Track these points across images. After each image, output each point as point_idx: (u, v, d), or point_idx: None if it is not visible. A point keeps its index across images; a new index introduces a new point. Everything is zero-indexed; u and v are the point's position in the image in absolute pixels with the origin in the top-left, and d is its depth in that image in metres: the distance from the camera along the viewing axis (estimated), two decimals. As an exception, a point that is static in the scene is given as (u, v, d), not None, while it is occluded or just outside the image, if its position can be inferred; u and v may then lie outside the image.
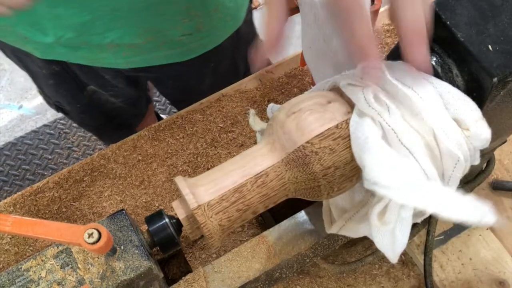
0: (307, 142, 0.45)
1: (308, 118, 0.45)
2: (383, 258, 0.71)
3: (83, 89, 0.96)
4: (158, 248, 0.52)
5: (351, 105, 0.46)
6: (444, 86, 0.45)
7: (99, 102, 1.01)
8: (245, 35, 0.91)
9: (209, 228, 0.46)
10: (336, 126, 0.45)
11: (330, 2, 0.42)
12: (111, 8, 0.69)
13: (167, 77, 0.94)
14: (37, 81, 0.98)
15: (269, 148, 0.47)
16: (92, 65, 0.84)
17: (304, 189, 0.47)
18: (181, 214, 0.47)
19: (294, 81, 0.83)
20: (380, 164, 0.41)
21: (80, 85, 0.94)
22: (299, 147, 0.45)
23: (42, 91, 1.02)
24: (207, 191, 0.46)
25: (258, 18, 2.04)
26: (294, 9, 0.71)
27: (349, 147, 0.46)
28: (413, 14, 0.41)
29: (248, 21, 0.91)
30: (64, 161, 1.85)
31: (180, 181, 0.46)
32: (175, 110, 1.84)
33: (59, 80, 0.91)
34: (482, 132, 0.44)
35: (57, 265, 0.49)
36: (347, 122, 0.45)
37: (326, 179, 0.46)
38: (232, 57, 0.93)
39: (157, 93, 1.86)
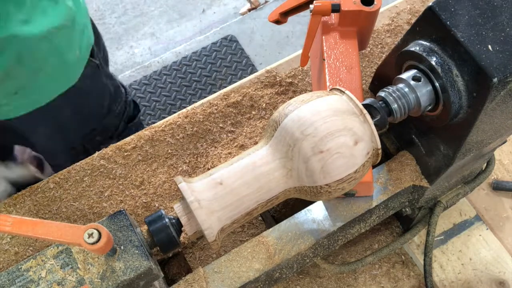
0: (326, 184, 0.47)
1: (334, 162, 0.47)
2: (383, 258, 0.71)
3: None
4: (158, 248, 0.52)
5: (372, 141, 0.48)
6: None
7: None
8: (87, 88, 0.91)
9: (217, 242, 0.49)
10: (355, 171, 0.47)
11: None
12: None
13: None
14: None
15: (285, 173, 0.48)
16: None
17: (304, 197, 0.51)
18: (190, 231, 0.50)
19: (294, 81, 0.83)
20: None
21: None
22: (316, 186, 0.48)
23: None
24: (222, 218, 0.48)
25: (257, 18, 2.04)
26: (295, 9, 0.71)
27: (356, 183, 0.49)
28: None
29: (90, 76, 0.91)
30: (64, 161, 1.85)
31: (193, 203, 0.47)
32: (175, 110, 1.84)
33: None
34: None
35: (57, 265, 0.49)
36: (364, 165, 0.48)
37: (329, 196, 0.50)
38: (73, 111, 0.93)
39: (147, 98, 1.86)
